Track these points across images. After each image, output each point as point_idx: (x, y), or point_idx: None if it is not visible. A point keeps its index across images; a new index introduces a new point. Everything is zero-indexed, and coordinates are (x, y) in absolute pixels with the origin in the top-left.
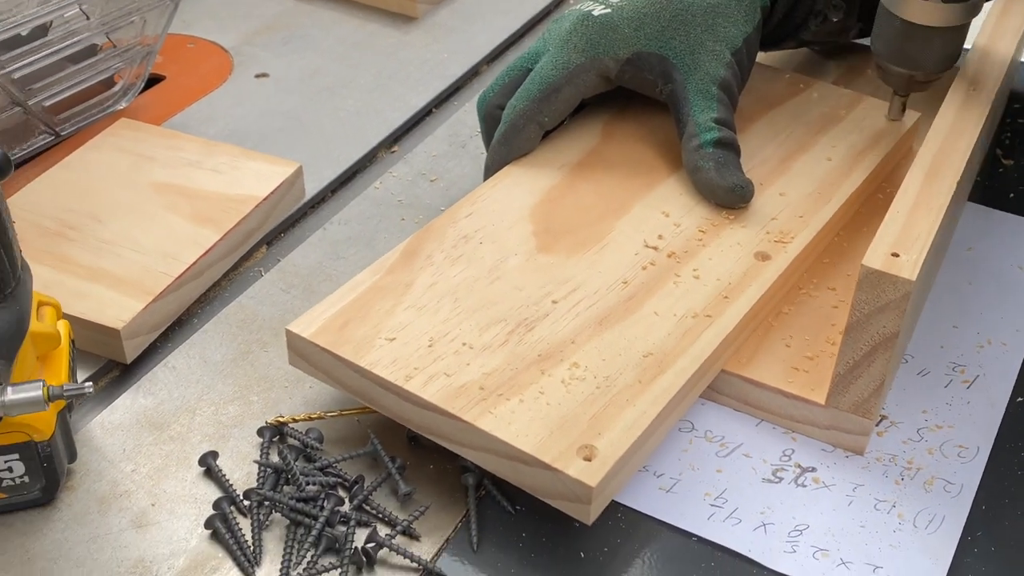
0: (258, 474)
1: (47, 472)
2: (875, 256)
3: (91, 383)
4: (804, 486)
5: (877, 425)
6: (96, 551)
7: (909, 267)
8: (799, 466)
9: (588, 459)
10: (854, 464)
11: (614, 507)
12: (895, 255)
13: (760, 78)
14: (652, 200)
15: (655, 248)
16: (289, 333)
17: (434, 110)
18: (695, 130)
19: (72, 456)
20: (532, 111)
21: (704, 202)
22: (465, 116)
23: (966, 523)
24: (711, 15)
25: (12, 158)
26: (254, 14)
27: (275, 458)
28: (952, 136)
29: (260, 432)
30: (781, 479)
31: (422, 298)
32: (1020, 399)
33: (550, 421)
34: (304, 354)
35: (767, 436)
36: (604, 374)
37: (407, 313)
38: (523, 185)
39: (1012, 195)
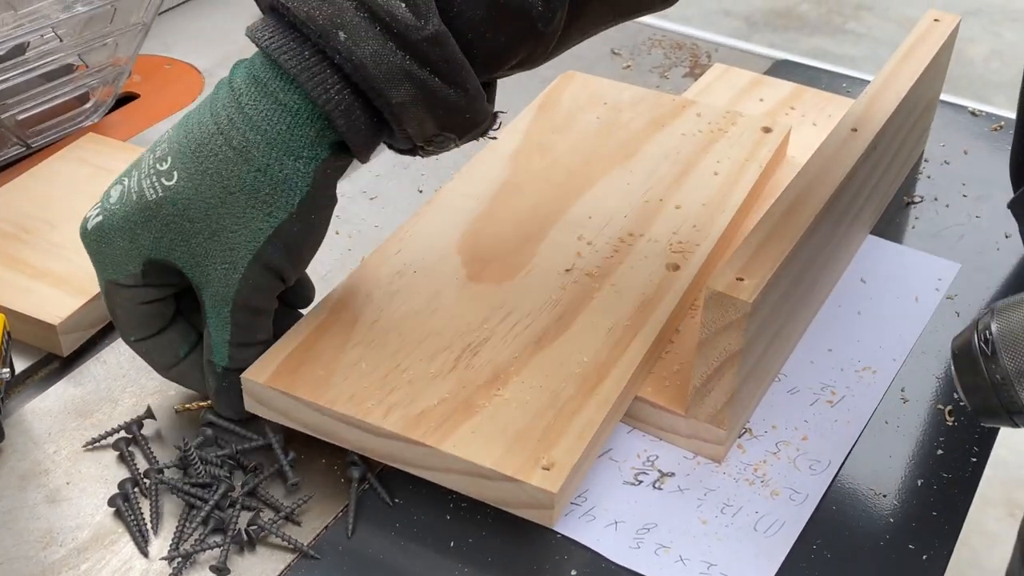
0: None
1: None
2: (720, 279)
3: (8, 369)
4: (660, 489)
5: (740, 437)
6: (11, 521)
7: (749, 291)
8: (659, 471)
9: (547, 468)
10: (711, 471)
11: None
12: (740, 279)
13: (648, 103)
14: (565, 225)
15: (574, 269)
16: (245, 380)
17: None
18: (210, 343)
19: (0, 436)
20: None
21: (613, 223)
22: None
23: (805, 530)
24: (214, 219)
25: None
26: (230, 39)
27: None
28: (821, 175)
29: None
30: (641, 482)
31: (368, 334)
32: (884, 421)
33: (507, 437)
34: (262, 399)
35: (636, 442)
36: (549, 389)
37: (356, 350)
38: (444, 219)
39: (914, 228)
